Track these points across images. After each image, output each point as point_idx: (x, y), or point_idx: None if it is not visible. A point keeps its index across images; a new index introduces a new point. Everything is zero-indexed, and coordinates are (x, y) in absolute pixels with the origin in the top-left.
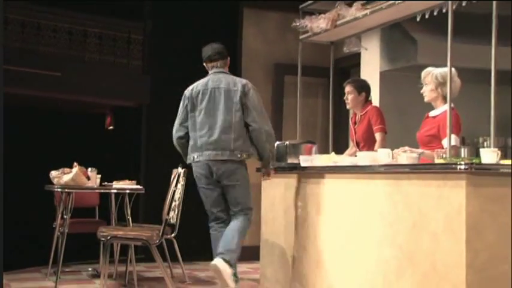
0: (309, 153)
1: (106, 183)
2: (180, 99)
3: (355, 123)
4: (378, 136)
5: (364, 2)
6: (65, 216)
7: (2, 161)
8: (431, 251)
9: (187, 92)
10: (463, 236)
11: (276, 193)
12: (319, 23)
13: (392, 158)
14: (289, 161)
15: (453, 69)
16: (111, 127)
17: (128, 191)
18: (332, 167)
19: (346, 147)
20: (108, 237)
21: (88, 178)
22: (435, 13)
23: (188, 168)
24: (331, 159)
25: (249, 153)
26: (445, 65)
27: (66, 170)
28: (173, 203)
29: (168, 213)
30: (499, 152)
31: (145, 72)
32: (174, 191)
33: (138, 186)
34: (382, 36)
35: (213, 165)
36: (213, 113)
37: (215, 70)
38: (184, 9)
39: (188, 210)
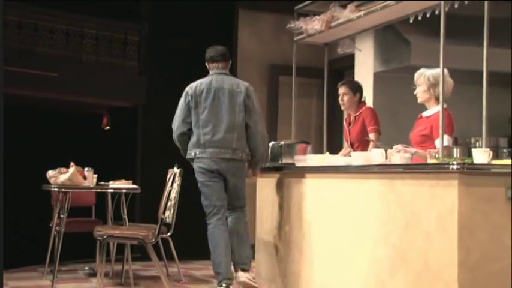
0: (304, 153)
1: (102, 182)
2: (176, 100)
3: (349, 124)
4: (372, 136)
5: (358, 3)
6: (62, 216)
7: (2, 161)
8: (424, 249)
9: (189, 89)
10: (455, 235)
11: (271, 193)
12: (313, 25)
13: (386, 158)
14: (284, 160)
15: (445, 70)
16: (107, 127)
17: (124, 191)
18: (326, 167)
19: (340, 147)
20: (105, 237)
21: (84, 178)
22: (428, 15)
23: (184, 167)
24: (325, 159)
25: (247, 153)
26: (438, 66)
27: (63, 169)
28: (169, 203)
29: (164, 213)
30: (491, 152)
31: (141, 73)
32: (170, 191)
33: (134, 186)
34: (375, 37)
35: (217, 162)
36: (216, 112)
37: (217, 71)
38: (180, 11)
39: (184, 209)
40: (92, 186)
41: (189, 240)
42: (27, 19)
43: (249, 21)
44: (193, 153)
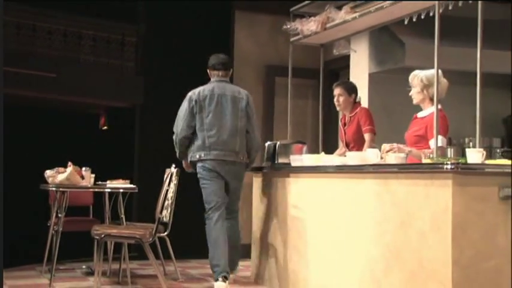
0: (300, 153)
1: (100, 182)
2: (173, 100)
3: (344, 124)
4: (367, 137)
5: (353, 5)
6: (60, 215)
7: (2, 161)
8: (418, 248)
9: (193, 95)
10: (449, 234)
11: (267, 192)
12: (309, 26)
13: (381, 158)
14: (280, 160)
15: (439, 70)
16: (105, 127)
17: (121, 190)
18: (322, 167)
19: (336, 147)
20: (102, 236)
21: (82, 177)
22: (422, 16)
23: (181, 167)
24: (320, 159)
25: (246, 157)
26: (432, 67)
27: (61, 169)
28: (166, 202)
29: (161, 212)
30: (484, 152)
31: (138, 73)
32: (167, 190)
33: (132, 186)
34: (370, 38)
35: (220, 164)
36: (220, 117)
37: (217, 78)
38: (177, 12)
39: (181, 209)
40: (89, 185)
41: (186, 240)
42: (25, 20)
43: (246, 23)
44: (197, 156)
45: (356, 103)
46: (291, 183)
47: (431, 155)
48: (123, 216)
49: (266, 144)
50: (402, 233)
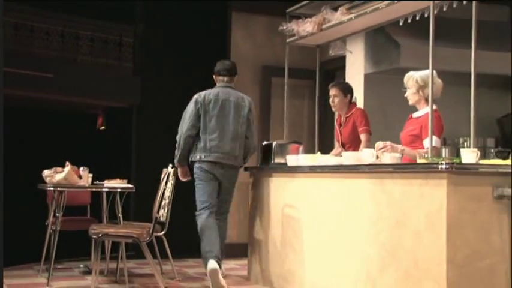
0: (296, 153)
1: (97, 182)
2: (171, 100)
3: (340, 124)
4: (362, 137)
5: (349, 6)
6: (57, 215)
7: (2, 161)
8: (413, 247)
9: (199, 97)
10: (443, 233)
11: (263, 192)
12: (305, 27)
13: (377, 158)
14: (277, 160)
15: (434, 71)
16: (102, 127)
17: (119, 190)
18: (318, 167)
19: (332, 147)
20: (100, 235)
21: (80, 177)
22: (417, 18)
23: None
24: (316, 159)
25: (243, 161)
26: (427, 68)
27: (59, 169)
28: (163, 202)
29: (158, 212)
30: (479, 152)
31: (136, 73)
32: (164, 190)
33: (129, 185)
34: (366, 39)
35: (218, 167)
36: (223, 121)
37: (222, 84)
38: (174, 13)
39: (178, 208)
40: (87, 185)
41: (183, 239)
42: (23, 21)
43: (242, 23)
44: (198, 157)
45: (352, 104)
46: (287, 183)
47: (426, 155)
48: (120, 215)
49: (262, 144)
50: (397, 232)
